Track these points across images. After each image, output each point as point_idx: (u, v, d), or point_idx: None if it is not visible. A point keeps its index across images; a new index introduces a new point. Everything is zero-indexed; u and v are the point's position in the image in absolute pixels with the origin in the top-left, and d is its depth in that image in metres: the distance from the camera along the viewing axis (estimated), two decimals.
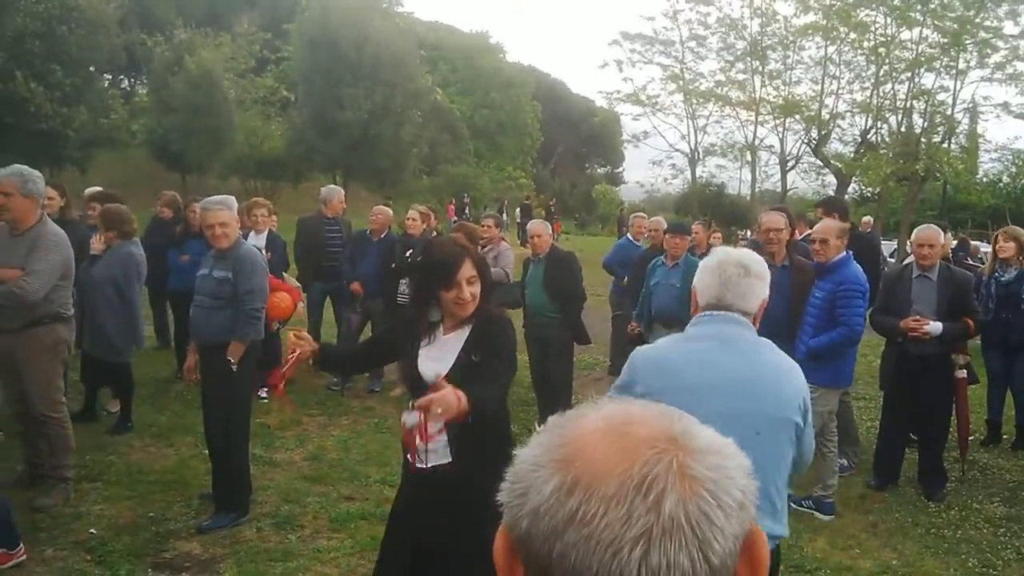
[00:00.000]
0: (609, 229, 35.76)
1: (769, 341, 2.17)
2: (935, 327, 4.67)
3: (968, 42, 22.25)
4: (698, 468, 0.58)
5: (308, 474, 4.86)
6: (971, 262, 10.73)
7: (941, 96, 23.55)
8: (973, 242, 15.47)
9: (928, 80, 23.52)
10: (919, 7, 22.37)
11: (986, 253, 11.70)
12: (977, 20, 22.07)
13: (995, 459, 5.76)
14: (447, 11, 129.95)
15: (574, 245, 17.38)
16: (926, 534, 4.42)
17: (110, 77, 31.36)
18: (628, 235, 8.30)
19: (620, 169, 55.48)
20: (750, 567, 0.61)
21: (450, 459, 2.54)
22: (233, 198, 4.23)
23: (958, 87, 23.30)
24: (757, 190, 28.89)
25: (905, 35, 23.49)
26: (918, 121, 23.93)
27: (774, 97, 26.59)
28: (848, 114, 25.94)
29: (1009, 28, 22.42)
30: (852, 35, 24.05)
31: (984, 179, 29.71)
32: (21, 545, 3.54)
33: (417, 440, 2.55)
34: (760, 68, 26.66)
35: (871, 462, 5.23)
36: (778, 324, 3.90)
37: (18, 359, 4.01)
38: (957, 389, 5.02)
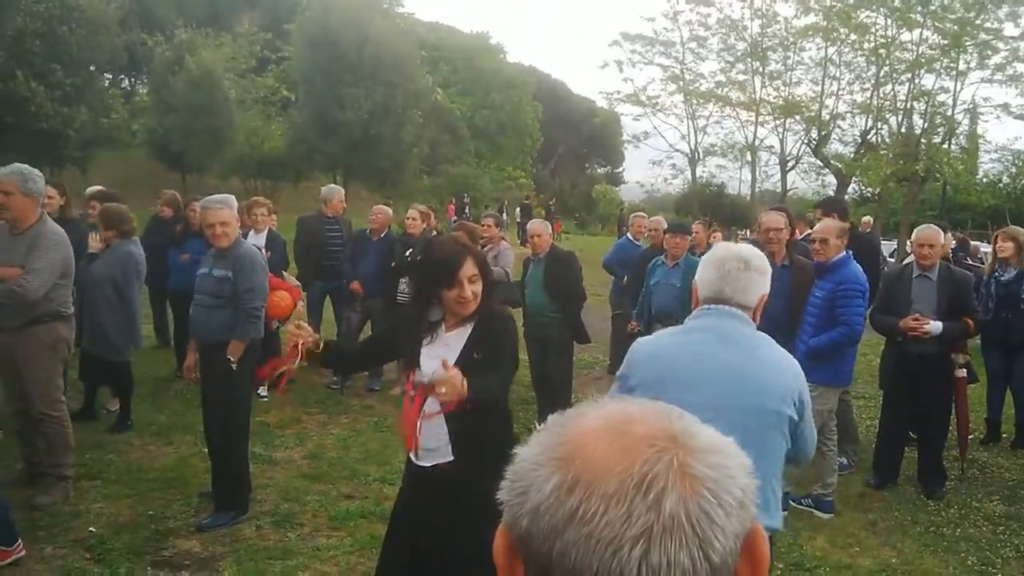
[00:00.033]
0: (609, 229, 35.78)
1: (768, 336, 2.18)
2: (935, 326, 4.67)
3: (968, 43, 22.25)
4: (698, 467, 0.58)
5: (307, 472, 4.86)
6: (971, 262, 10.72)
7: (941, 97, 23.59)
8: (973, 242, 15.47)
9: (928, 81, 23.55)
10: (919, 9, 22.36)
11: (986, 253, 11.71)
12: (977, 22, 22.06)
13: (994, 458, 5.77)
14: (448, 11, 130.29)
15: (574, 245, 17.39)
16: (925, 532, 4.42)
17: (111, 77, 31.38)
18: (628, 235, 8.29)
19: (620, 169, 55.52)
20: (751, 565, 0.61)
21: (452, 458, 2.54)
22: (233, 197, 4.23)
23: (958, 88, 23.34)
24: (757, 190, 28.88)
25: (905, 36, 23.50)
26: (918, 122, 23.94)
27: (774, 98, 26.59)
28: (848, 115, 25.94)
29: (1009, 30, 22.45)
30: (852, 36, 24.03)
31: (984, 180, 29.72)
32: (19, 542, 3.54)
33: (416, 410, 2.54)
34: (760, 69, 26.64)
35: (871, 461, 5.23)
36: (778, 323, 3.90)
37: (18, 357, 4.01)
38: (957, 388, 5.03)
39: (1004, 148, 25.81)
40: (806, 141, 26.56)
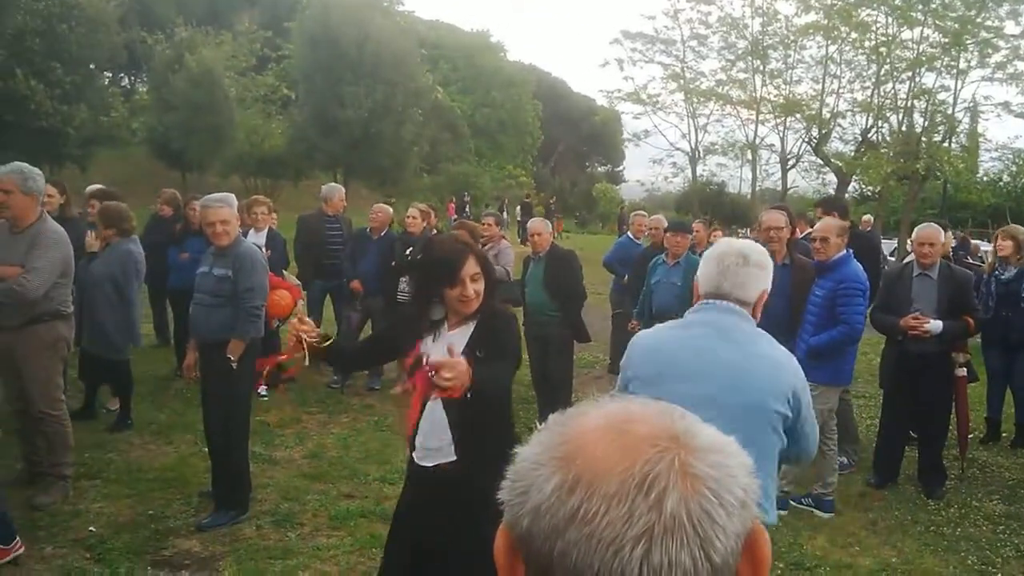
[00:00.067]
0: (609, 228, 35.77)
1: (765, 333, 2.18)
2: (935, 325, 4.67)
3: (969, 42, 22.24)
4: (700, 466, 0.58)
5: (308, 472, 4.86)
6: (971, 261, 10.72)
7: (942, 95, 23.58)
8: (973, 241, 15.48)
9: (929, 79, 23.55)
10: (920, 7, 22.35)
11: (986, 252, 11.72)
12: (978, 20, 22.05)
13: (994, 457, 5.77)
14: (448, 10, 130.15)
15: (574, 243, 17.38)
16: (926, 532, 4.42)
17: (110, 75, 31.36)
18: (629, 233, 8.29)
19: (620, 168, 55.49)
20: (752, 565, 0.61)
21: (454, 457, 2.54)
22: (233, 196, 4.22)
23: (959, 86, 23.34)
24: (758, 189, 28.88)
25: (906, 35, 23.49)
26: (919, 120, 23.93)
27: (775, 96, 26.57)
28: (849, 113, 25.94)
29: (1010, 28, 22.45)
30: (853, 35, 24.02)
31: (984, 178, 29.72)
32: (17, 539, 3.53)
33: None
34: (761, 67, 26.63)
35: (871, 460, 5.23)
36: (778, 322, 3.90)
37: (18, 356, 4.00)
38: (957, 387, 5.03)
39: (1004, 146, 25.84)
40: (807, 139, 26.56)
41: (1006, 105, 23.14)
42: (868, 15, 23.59)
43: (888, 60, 23.32)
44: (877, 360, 6.44)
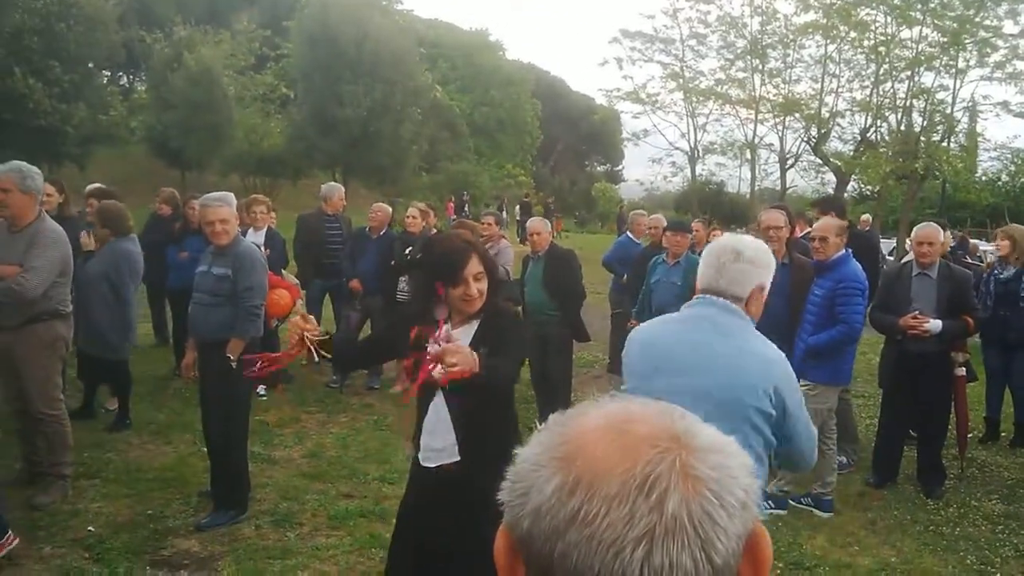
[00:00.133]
0: (609, 227, 35.73)
1: (754, 328, 2.18)
2: (934, 325, 4.67)
3: (968, 41, 22.22)
4: (701, 467, 0.58)
5: (307, 472, 4.86)
6: (970, 260, 10.72)
7: (941, 95, 23.53)
8: (972, 240, 15.48)
9: (928, 79, 23.50)
10: (919, 6, 22.32)
11: (985, 251, 11.73)
12: (977, 19, 22.03)
13: (993, 456, 5.77)
14: (446, 8, 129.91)
15: (573, 243, 17.39)
16: (925, 531, 4.42)
17: (109, 74, 31.31)
18: (628, 233, 8.28)
19: (620, 167, 55.49)
20: (753, 567, 0.61)
21: (458, 458, 2.54)
22: (232, 195, 4.22)
23: (958, 86, 23.29)
24: (757, 188, 28.87)
25: (905, 34, 23.45)
26: (917, 120, 23.91)
27: (774, 95, 26.54)
28: (848, 112, 25.89)
29: (1009, 27, 22.40)
30: (852, 34, 24.00)
31: (983, 177, 29.69)
32: (10, 532, 3.52)
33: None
34: (760, 66, 26.60)
35: (870, 459, 5.23)
36: (778, 322, 3.90)
37: (16, 356, 4.00)
38: (956, 387, 5.03)
39: (1003, 146, 25.76)
40: (805, 139, 26.54)
41: (1005, 104, 23.13)
42: (867, 14, 23.57)
43: (887, 59, 23.30)
44: (876, 360, 6.44)
